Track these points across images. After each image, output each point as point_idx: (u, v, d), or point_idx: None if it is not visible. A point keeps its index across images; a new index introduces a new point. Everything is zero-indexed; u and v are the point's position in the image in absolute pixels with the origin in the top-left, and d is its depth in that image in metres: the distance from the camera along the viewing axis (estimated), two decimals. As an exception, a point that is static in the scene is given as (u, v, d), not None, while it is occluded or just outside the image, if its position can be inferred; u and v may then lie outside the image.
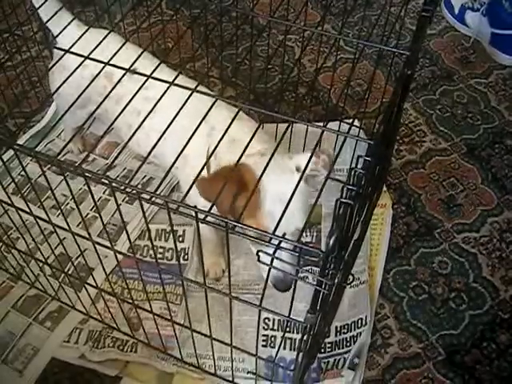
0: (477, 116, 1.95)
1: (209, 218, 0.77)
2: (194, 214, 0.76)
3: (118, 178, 1.70)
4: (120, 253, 1.05)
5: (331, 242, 0.71)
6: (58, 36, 1.26)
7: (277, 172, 1.07)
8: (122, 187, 0.82)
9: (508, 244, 1.62)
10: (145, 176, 1.72)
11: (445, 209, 1.70)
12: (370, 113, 1.93)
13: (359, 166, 0.81)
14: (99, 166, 1.76)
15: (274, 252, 0.77)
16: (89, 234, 1.03)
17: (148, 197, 0.80)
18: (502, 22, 2.08)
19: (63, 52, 1.07)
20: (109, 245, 1.02)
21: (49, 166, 1.69)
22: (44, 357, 1.40)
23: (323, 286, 0.81)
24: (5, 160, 1.06)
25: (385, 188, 1.70)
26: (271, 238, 0.75)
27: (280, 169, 1.09)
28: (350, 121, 1.66)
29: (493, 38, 2.12)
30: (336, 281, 0.96)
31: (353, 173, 0.81)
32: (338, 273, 0.96)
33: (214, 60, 2.10)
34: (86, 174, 0.85)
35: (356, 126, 1.77)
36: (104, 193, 1.69)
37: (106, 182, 0.83)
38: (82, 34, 1.14)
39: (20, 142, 1.82)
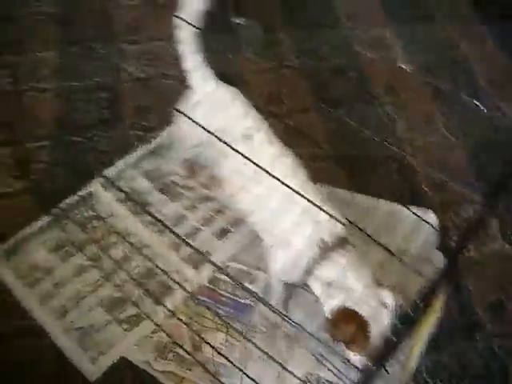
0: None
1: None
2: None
3: (211, 212, 1.87)
4: (186, 291, 1.21)
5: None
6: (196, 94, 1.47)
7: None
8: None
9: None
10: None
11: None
12: (448, 203, 2.01)
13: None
14: (198, 193, 1.92)
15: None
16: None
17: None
18: None
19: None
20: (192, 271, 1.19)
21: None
22: (115, 353, 1.60)
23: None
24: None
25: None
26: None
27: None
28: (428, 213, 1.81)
29: None
30: None
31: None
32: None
33: (321, 115, 2.26)
34: (173, 230, 1.04)
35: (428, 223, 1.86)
36: (197, 222, 1.84)
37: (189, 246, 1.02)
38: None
39: (136, 155, 2.03)
